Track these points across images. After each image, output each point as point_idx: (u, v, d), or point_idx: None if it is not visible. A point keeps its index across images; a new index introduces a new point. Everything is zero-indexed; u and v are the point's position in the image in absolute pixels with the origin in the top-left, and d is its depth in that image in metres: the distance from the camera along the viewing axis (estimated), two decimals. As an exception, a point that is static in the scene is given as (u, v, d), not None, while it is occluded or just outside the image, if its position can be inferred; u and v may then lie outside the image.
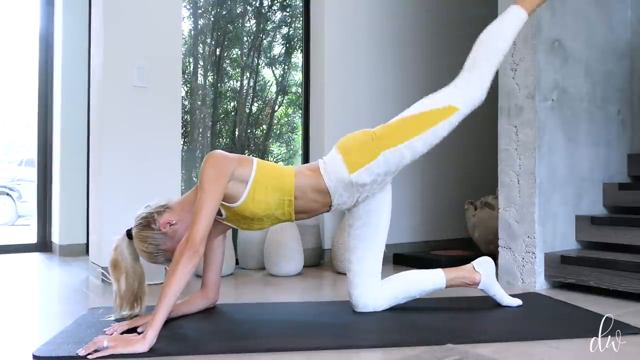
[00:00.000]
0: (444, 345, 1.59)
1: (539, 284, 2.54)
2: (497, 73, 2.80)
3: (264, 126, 3.88)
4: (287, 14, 3.91)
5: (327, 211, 1.95)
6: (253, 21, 3.84)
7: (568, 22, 2.70)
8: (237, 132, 3.74)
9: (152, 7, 2.92)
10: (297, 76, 3.85)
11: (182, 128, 3.32)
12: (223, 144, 3.67)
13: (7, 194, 7.40)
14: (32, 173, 5.07)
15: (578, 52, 2.76)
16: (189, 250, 1.64)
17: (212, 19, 3.70)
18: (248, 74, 3.79)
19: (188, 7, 3.56)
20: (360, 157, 1.86)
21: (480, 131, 4.19)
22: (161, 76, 2.94)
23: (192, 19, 3.62)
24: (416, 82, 3.94)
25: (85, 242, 3.95)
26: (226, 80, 3.75)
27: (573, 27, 2.73)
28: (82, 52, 3.96)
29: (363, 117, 3.64)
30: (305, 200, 1.88)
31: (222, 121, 3.74)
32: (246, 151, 3.72)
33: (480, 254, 2.93)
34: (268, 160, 3.24)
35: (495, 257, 2.99)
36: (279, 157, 3.91)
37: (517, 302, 2.09)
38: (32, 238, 4.25)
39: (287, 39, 3.89)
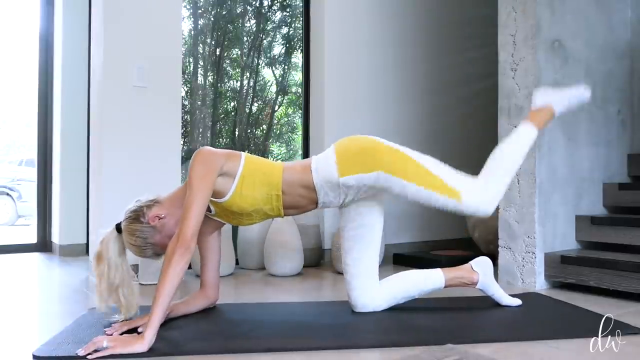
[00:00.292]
0: (443, 345, 1.59)
1: (539, 284, 2.54)
2: (497, 73, 2.80)
3: (264, 126, 3.88)
4: (287, 14, 3.91)
5: (315, 208, 1.96)
6: (253, 21, 3.84)
7: (568, 22, 2.70)
8: (237, 132, 3.74)
9: (152, 7, 2.92)
10: (297, 76, 3.85)
11: (182, 128, 3.32)
12: (223, 144, 3.67)
13: (7, 194, 7.40)
14: (32, 173, 5.06)
15: (578, 52, 2.75)
16: (180, 247, 1.64)
17: (212, 19, 3.70)
18: (248, 74, 3.79)
19: (188, 7, 3.56)
20: (354, 165, 1.87)
21: (480, 131, 4.19)
22: (161, 76, 2.94)
23: (192, 19, 3.62)
24: (416, 82, 3.94)
25: (85, 242, 3.95)
26: (226, 80, 3.75)
27: (573, 27, 2.73)
28: (82, 52, 3.96)
29: (363, 117, 3.64)
30: (292, 196, 1.88)
31: (222, 121, 3.74)
32: (246, 151, 3.72)
33: (480, 253, 2.93)
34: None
35: (495, 257, 2.99)
36: (279, 157, 3.91)
37: (517, 301, 2.09)
38: (32, 238, 4.25)
39: (287, 39, 3.89)
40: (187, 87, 3.54)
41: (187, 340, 1.63)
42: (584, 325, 1.81)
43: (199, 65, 3.63)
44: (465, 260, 2.20)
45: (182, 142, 3.16)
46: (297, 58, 3.83)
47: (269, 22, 3.87)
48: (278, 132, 3.92)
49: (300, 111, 3.74)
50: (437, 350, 1.54)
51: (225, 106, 3.75)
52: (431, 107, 4.02)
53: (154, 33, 2.92)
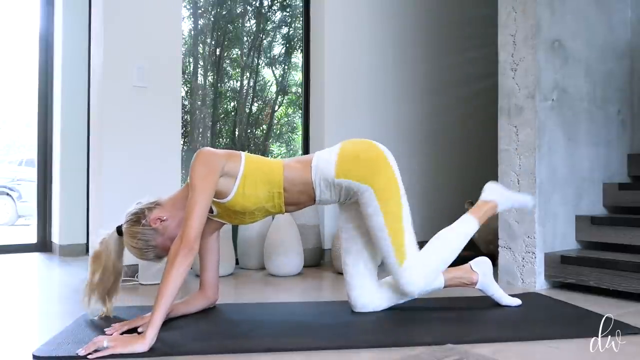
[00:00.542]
0: (444, 345, 1.59)
1: (539, 284, 2.54)
2: (497, 73, 2.80)
3: (264, 126, 3.88)
4: (287, 14, 3.91)
5: (313, 204, 1.97)
6: (253, 21, 3.84)
7: (568, 22, 2.71)
8: (237, 132, 3.74)
9: (152, 7, 2.92)
10: (297, 76, 3.85)
11: (182, 128, 3.32)
12: (223, 144, 3.67)
13: (7, 194, 7.40)
14: (32, 173, 5.06)
15: (578, 52, 2.76)
16: (183, 248, 1.65)
17: (212, 19, 3.70)
18: (248, 74, 3.79)
19: (188, 7, 3.56)
20: (351, 170, 1.88)
21: (480, 131, 4.19)
22: (161, 76, 2.94)
23: (192, 19, 3.62)
24: (416, 82, 3.94)
25: (85, 242, 3.95)
26: (226, 80, 3.75)
27: (573, 27, 2.73)
28: (82, 52, 3.96)
29: (363, 117, 3.65)
30: (292, 193, 1.90)
31: (222, 121, 3.74)
32: (246, 151, 3.72)
33: (480, 254, 2.93)
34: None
35: (495, 257, 2.99)
36: (279, 157, 3.91)
37: (517, 301, 2.09)
38: (32, 238, 4.25)
39: (287, 39, 3.89)
40: (187, 87, 3.54)
41: (187, 340, 1.63)
42: (584, 325, 1.81)
43: (199, 65, 3.63)
44: (465, 260, 2.20)
45: (182, 142, 3.16)
46: (297, 58, 3.83)
47: (269, 22, 3.87)
48: (278, 132, 3.92)
49: (300, 111, 3.74)
50: (437, 350, 1.54)
51: (225, 106, 3.75)
52: (431, 107, 4.02)
53: (154, 33, 2.92)
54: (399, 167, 2.07)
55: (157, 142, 2.93)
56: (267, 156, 3.77)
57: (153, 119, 2.92)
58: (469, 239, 2.05)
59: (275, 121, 3.90)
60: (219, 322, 1.88)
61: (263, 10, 3.84)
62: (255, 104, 3.84)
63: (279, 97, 3.89)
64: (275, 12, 3.92)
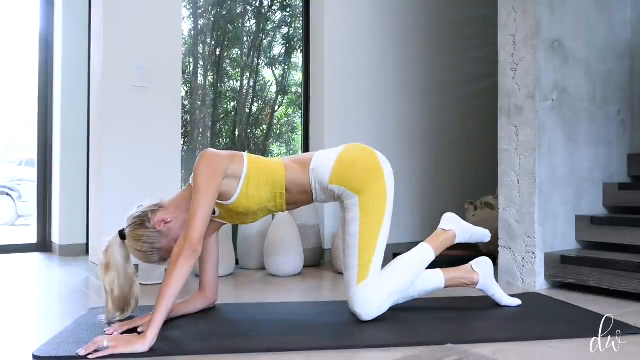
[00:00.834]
0: (444, 345, 1.59)
1: (539, 284, 2.54)
2: (497, 73, 2.80)
3: (264, 126, 3.88)
4: (287, 14, 3.91)
5: (312, 202, 1.98)
6: (253, 21, 3.84)
7: (568, 22, 2.71)
8: (237, 132, 3.74)
9: (152, 7, 2.92)
10: (297, 76, 3.85)
11: (182, 128, 3.32)
12: (223, 144, 3.67)
13: (7, 194, 7.40)
14: (32, 173, 5.07)
15: (578, 52, 2.76)
16: (187, 249, 1.64)
17: (212, 19, 3.70)
18: (248, 74, 3.79)
19: (188, 7, 3.56)
20: (344, 177, 1.88)
21: (480, 131, 4.19)
22: (161, 76, 2.94)
23: (192, 19, 3.62)
24: (416, 82, 3.94)
25: (85, 242, 3.95)
26: (226, 80, 3.75)
27: (573, 27, 2.73)
28: (82, 52, 3.96)
29: (363, 117, 3.65)
30: (293, 193, 1.92)
31: (222, 121, 3.74)
32: (246, 151, 3.72)
33: (480, 254, 2.94)
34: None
35: (495, 257, 2.99)
36: (279, 157, 3.91)
37: (517, 301, 2.09)
38: (32, 238, 4.25)
39: (287, 39, 3.89)
40: (187, 87, 3.54)
41: (187, 340, 1.63)
42: (584, 325, 1.81)
43: (199, 65, 3.63)
44: (465, 260, 2.20)
45: (182, 142, 3.16)
46: (297, 58, 3.83)
47: (269, 22, 3.87)
48: (278, 132, 3.92)
49: (300, 111, 3.74)
50: (437, 350, 1.54)
51: (225, 106, 3.75)
52: (431, 107, 4.02)
53: (154, 33, 2.92)
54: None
55: (157, 142, 2.93)
56: (267, 156, 3.77)
57: (153, 119, 2.92)
58: (425, 268, 1.99)
59: (275, 121, 3.90)
60: (219, 322, 1.88)
61: (263, 10, 3.84)
62: (255, 104, 3.84)
63: (279, 97, 3.89)
64: (275, 12, 3.92)
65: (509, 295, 2.14)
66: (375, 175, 1.90)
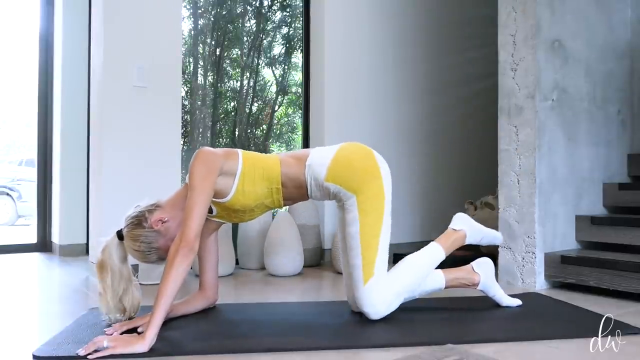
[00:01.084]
0: (444, 345, 1.59)
1: (539, 284, 2.54)
2: (497, 73, 2.80)
3: (264, 126, 3.88)
4: (287, 14, 3.91)
5: (308, 199, 1.98)
6: (253, 21, 3.84)
7: (568, 22, 2.71)
8: (237, 132, 3.74)
9: (152, 7, 2.92)
10: (297, 76, 3.85)
11: (182, 128, 3.32)
12: (223, 144, 3.67)
13: (7, 194, 7.39)
14: (32, 173, 5.06)
15: (578, 52, 2.76)
16: (183, 248, 1.64)
17: (212, 19, 3.70)
18: (248, 74, 3.79)
19: (188, 7, 3.56)
20: (341, 175, 1.88)
21: (480, 131, 4.19)
22: (161, 76, 2.94)
23: (192, 19, 3.62)
24: (416, 82, 3.94)
25: (85, 242, 3.95)
26: (226, 80, 3.75)
27: (573, 27, 2.73)
28: (82, 52, 3.96)
29: (363, 117, 3.64)
30: (289, 188, 1.91)
31: (222, 121, 3.74)
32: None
33: (480, 254, 2.93)
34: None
35: (495, 257, 2.99)
36: (279, 157, 3.90)
37: (517, 302, 2.09)
38: (32, 238, 4.25)
39: (287, 39, 3.89)
40: (187, 87, 3.54)
41: (187, 340, 1.63)
42: (584, 325, 1.81)
43: (199, 65, 3.63)
44: (465, 260, 2.20)
45: (182, 142, 3.16)
46: (297, 58, 3.83)
47: (269, 22, 3.87)
48: (278, 132, 3.92)
49: (300, 111, 3.74)
50: (437, 350, 1.54)
51: (225, 106, 3.75)
52: (431, 107, 4.02)
53: (154, 33, 2.92)
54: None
55: (157, 142, 2.93)
56: (267, 156, 3.77)
57: (153, 119, 2.92)
58: (434, 267, 1.98)
59: (275, 121, 3.90)
60: (219, 322, 1.88)
61: (263, 10, 3.84)
62: (255, 104, 3.84)
63: (279, 97, 3.89)
64: (275, 12, 3.92)
65: (509, 295, 2.14)
66: (372, 175, 1.90)
